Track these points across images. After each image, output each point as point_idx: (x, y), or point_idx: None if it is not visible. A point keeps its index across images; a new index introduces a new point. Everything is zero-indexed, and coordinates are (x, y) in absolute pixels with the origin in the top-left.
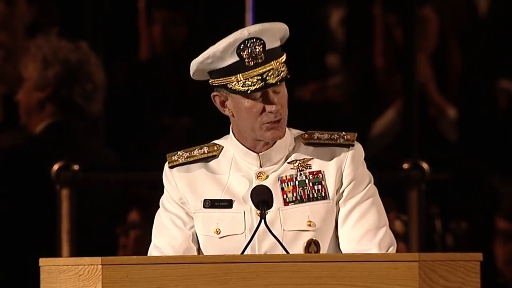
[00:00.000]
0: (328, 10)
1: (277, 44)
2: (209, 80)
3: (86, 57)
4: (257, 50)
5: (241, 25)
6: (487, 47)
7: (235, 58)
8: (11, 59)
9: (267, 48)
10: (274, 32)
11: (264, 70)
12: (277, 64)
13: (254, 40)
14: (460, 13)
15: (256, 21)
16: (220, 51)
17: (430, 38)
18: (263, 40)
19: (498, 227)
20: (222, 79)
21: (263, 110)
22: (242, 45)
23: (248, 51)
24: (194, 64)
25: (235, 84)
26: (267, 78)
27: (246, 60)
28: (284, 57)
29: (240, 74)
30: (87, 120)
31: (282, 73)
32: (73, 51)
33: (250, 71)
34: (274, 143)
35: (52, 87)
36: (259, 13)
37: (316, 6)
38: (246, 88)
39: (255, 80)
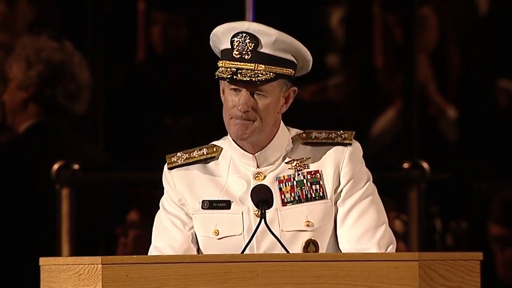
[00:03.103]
0: (328, 10)
1: (276, 53)
2: None
3: (69, 57)
4: (248, 46)
5: None
6: (487, 47)
7: (228, 45)
8: None
9: (258, 49)
10: (278, 42)
11: (241, 66)
12: (260, 68)
13: (250, 36)
14: (460, 13)
15: (256, 21)
16: (219, 33)
17: (429, 37)
18: (258, 40)
19: (492, 233)
20: (219, 60)
21: (233, 105)
22: (238, 36)
23: (239, 44)
24: (211, 35)
25: (219, 68)
26: (238, 74)
27: (234, 50)
28: (278, 69)
29: (225, 61)
30: (72, 119)
31: (258, 78)
32: (56, 51)
33: (231, 62)
34: (269, 142)
35: (35, 87)
36: (259, 13)
37: (316, 6)
38: (217, 73)
39: (229, 70)
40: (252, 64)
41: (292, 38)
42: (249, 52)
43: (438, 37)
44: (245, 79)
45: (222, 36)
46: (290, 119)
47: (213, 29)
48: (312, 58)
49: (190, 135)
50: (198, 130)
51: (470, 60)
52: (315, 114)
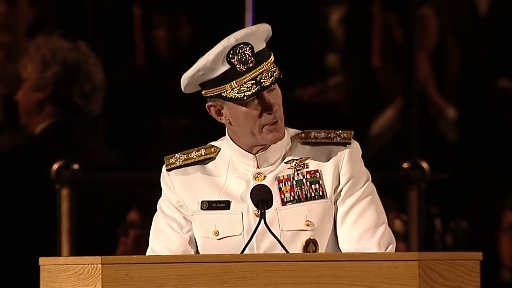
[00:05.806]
0: (327, 10)
1: (263, 46)
2: (201, 91)
3: (84, 57)
4: (247, 54)
5: (241, 25)
6: (486, 47)
7: (226, 66)
8: (12, 59)
9: (255, 51)
10: (260, 34)
11: (256, 73)
12: (268, 65)
13: (242, 45)
14: (460, 13)
15: (256, 21)
16: (210, 62)
17: (429, 37)
18: (251, 44)
19: (507, 221)
20: (215, 88)
21: (261, 113)
22: (232, 52)
23: (238, 57)
24: (185, 78)
25: (230, 92)
26: (261, 81)
27: (237, 66)
28: (272, 57)
29: (234, 81)
30: (87, 120)
31: (275, 73)
32: (72, 51)
33: (243, 77)
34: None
35: (51, 88)
36: (259, 13)
37: (316, 6)
38: (242, 95)
39: (249, 84)
40: (261, 66)
41: (263, 24)
42: (252, 59)
43: (438, 37)
44: (271, 81)
45: (214, 63)
46: (290, 119)
47: (213, 29)
48: (312, 58)
49: (187, 136)
50: (196, 130)
51: (470, 60)
52: (315, 114)
